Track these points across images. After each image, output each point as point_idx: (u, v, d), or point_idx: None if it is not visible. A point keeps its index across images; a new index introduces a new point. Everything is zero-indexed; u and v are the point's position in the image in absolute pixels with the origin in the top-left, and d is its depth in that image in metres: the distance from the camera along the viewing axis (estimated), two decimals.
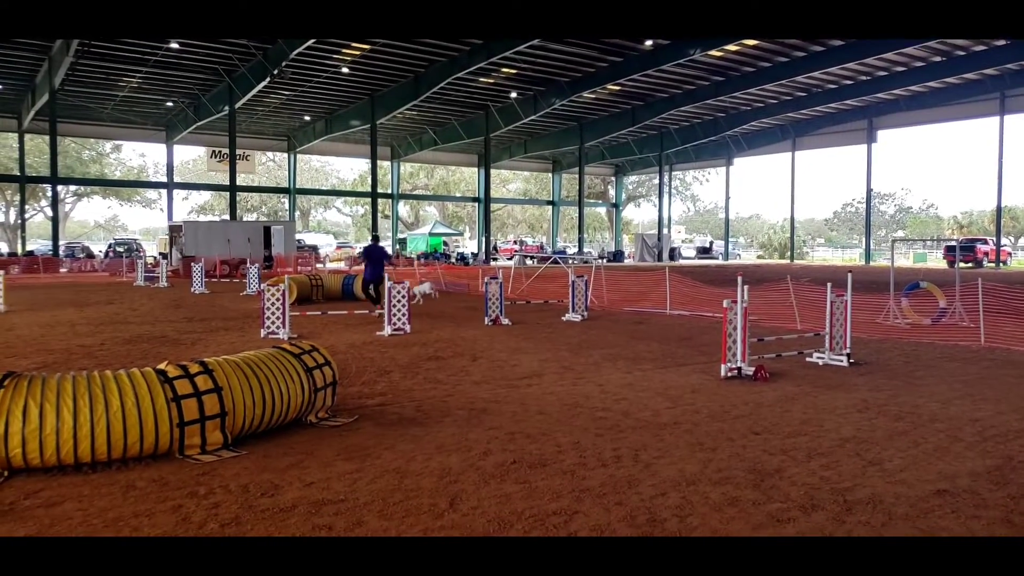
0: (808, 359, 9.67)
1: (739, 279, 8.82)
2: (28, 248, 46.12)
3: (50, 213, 43.84)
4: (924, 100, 45.19)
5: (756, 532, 4.09)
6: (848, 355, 9.48)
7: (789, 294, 13.89)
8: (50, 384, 5.07)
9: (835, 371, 9.08)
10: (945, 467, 5.25)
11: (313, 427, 6.33)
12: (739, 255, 70.30)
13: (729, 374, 8.50)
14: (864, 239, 56.18)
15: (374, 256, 15.33)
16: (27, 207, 49.82)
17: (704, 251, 65.86)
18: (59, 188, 44.44)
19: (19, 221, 49.95)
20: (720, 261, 60.36)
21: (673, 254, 58.66)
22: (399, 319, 12.59)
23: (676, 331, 13.05)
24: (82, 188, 62.52)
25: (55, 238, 40.71)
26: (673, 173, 68.47)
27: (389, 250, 40.37)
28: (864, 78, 41.04)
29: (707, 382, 8.35)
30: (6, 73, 36.50)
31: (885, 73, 40.02)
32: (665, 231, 61.45)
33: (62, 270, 36.14)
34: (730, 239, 67.68)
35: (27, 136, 44.76)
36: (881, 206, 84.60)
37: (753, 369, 8.48)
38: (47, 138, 38.42)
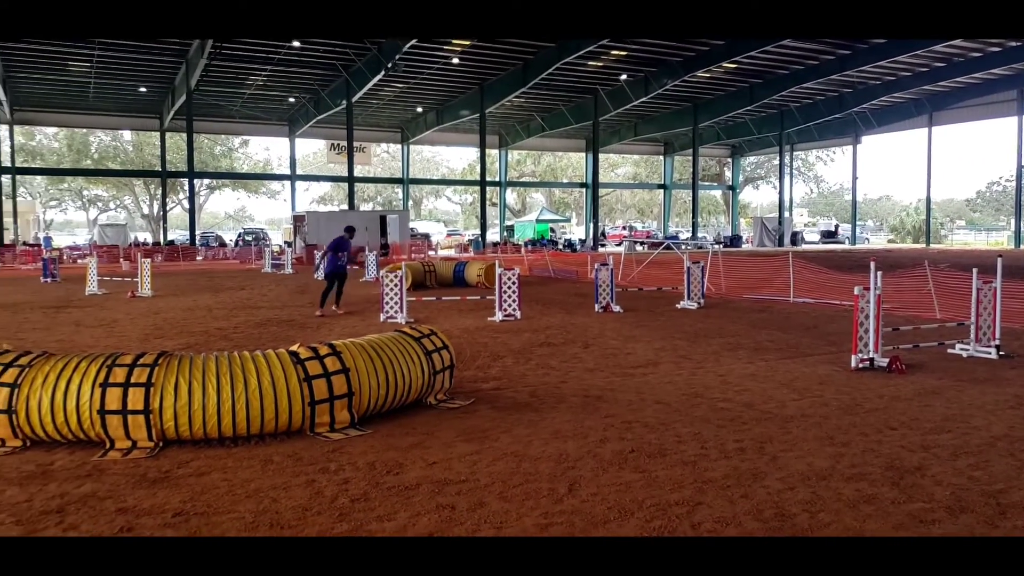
0: (950, 351, 9.03)
1: (871, 264, 8.34)
2: (169, 238, 49.56)
3: (187, 205, 46.93)
4: None
5: (896, 533, 3.86)
6: (997, 347, 8.78)
7: (926, 281, 13.04)
8: (196, 363, 5.44)
9: (982, 364, 8.44)
10: None
11: (432, 408, 6.48)
12: (867, 239, 66.63)
13: (860, 365, 8.07)
14: (1014, 220, 51.78)
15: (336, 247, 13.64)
16: (167, 200, 53.52)
17: (829, 235, 62.68)
18: (195, 182, 47.53)
19: (161, 213, 53.74)
20: (847, 246, 57.34)
21: (795, 238, 56.20)
22: (510, 305, 12.70)
23: (801, 320, 12.51)
24: (214, 181, 66.56)
25: (192, 228, 43.63)
26: (794, 153, 65.51)
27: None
28: (1015, 44, 37.49)
29: (836, 373, 7.97)
30: (150, 77, 39.34)
31: None
32: (786, 214, 58.95)
33: (198, 258, 38.71)
34: (857, 222, 64.10)
35: (167, 134, 48.09)
36: None
37: (888, 360, 8.01)
38: (184, 136, 41.14)
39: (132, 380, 5.26)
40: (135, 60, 35.90)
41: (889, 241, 66.77)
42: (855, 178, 60.75)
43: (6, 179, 40.54)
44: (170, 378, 5.30)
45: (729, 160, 69.32)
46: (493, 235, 55.14)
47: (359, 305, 15.10)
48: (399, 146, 58.10)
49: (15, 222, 41.66)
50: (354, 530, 3.94)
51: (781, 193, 60.04)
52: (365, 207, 67.88)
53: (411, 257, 33.33)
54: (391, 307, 12.56)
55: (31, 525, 4.01)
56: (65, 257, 34.16)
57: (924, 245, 55.17)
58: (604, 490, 4.49)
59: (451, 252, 45.69)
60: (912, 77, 44.12)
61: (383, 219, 39.61)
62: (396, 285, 12.54)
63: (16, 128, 46.25)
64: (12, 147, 44.84)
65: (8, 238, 38.55)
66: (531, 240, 49.31)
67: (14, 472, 4.85)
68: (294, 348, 5.88)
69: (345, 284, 13.82)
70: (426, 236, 51.37)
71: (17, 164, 46.26)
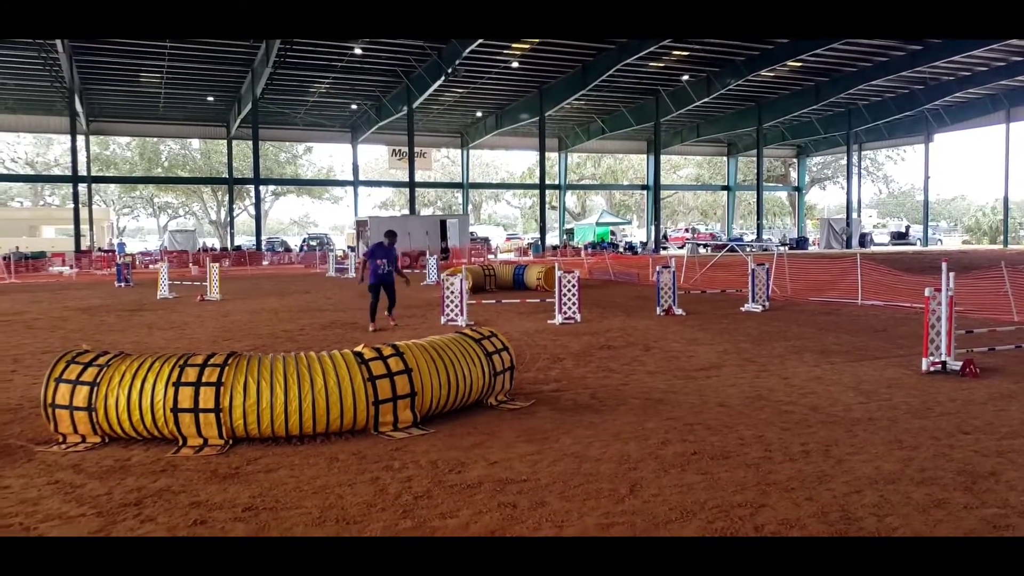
0: None
1: (943, 265, 8.06)
2: (236, 243, 51.08)
3: (253, 211, 48.28)
4: None
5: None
6: None
7: (1003, 282, 12.52)
8: (264, 363, 5.62)
9: None
10: None
11: (493, 409, 6.54)
12: (940, 240, 64.15)
13: (931, 368, 7.81)
14: None
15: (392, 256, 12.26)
16: (234, 206, 55.17)
17: (899, 236, 60.66)
18: (261, 188, 48.94)
19: (228, 219, 55.43)
20: (918, 247, 55.40)
21: (863, 240, 54.53)
22: (570, 308, 12.69)
23: (869, 322, 12.16)
24: (279, 187, 68.38)
25: (258, 234, 44.89)
26: (863, 152, 63.66)
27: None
28: None
29: (906, 376, 7.73)
30: (217, 87, 40.71)
31: None
32: (854, 215, 57.30)
33: (264, 263, 39.80)
34: (929, 223, 61.86)
35: (234, 142, 49.65)
36: None
37: (960, 364, 7.73)
38: (250, 143, 42.40)
39: (203, 380, 5.46)
40: (203, 70, 37.21)
41: (964, 242, 64.20)
42: (927, 177, 58.67)
43: (82, 187, 42.41)
44: (239, 378, 5.48)
45: (794, 160, 67.77)
46: (553, 238, 55.10)
47: (420, 308, 15.31)
48: (459, 151, 58.66)
49: (91, 229, 43.58)
50: (417, 527, 4.01)
51: (849, 194, 58.40)
52: (426, 211, 68.70)
53: (471, 261, 33.59)
54: (451, 310, 12.70)
55: (111, 517, 4.21)
56: (138, 262, 35.58)
57: (1002, 246, 52.86)
58: (666, 491, 4.46)
59: (511, 256, 45.85)
60: (988, 72, 42.41)
61: (443, 223, 40.05)
62: (456, 288, 12.67)
63: (91, 138, 48.40)
64: (88, 156, 46.91)
65: (84, 244, 40.35)
66: (591, 243, 49.08)
67: (95, 467, 5.09)
68: (358, 349, 6.01)
69: (395, 291, 12.42)
70: (486, 240, 51.63)
71: (92, 173, 48.40)
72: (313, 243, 48.95)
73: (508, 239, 61.73)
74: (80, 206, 40.80)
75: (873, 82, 41.62)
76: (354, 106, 46.00)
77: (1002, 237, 55.39)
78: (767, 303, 14.30)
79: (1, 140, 61.18)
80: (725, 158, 64.80)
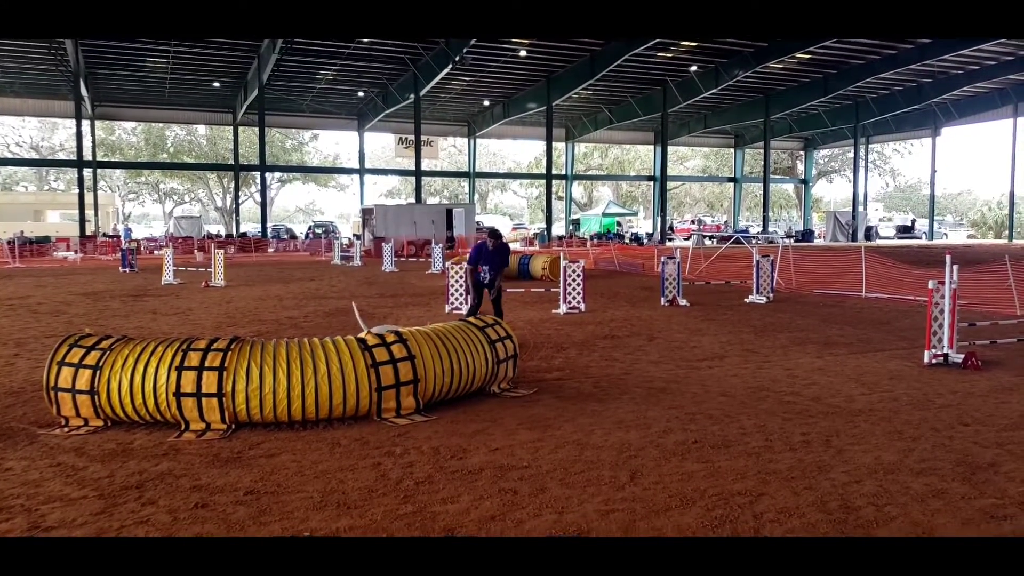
0: None
1: (947, 258, 8.05)
2: (242, 230, 51.05)
3: (259, 198, 48.28)
4: None
5: (965, 527, 3.76)
6: None
7: (1007, 276, 12.49)
8: (267, 349, 5.64)
9: None
10: None
11: (496, 397, 6.56)
12: (946, 234, 63.94)
13: (933, 361, 7.81)
14: None
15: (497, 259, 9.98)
16: (240, 193, 55.11)
17: (905, 230, 60.44)
18: (266, 175, 48.89)
19: (234, 206, 55.41)
20: (923, 241, 55.21)
21: (869, 233, 54.38)
22: (574, 298, 12.69)
23: (872, 315, 12.15)
24: (285, 175, 68.27)
25: (263, 221, 44.88)
26: (870, 146, 63.26)
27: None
28: None
29: (907, 369, 7.73)
30: (223, 72, 40.62)
31: None
32: (860, 209, 57.03)
33: (270, 250, 39.82)
34: (935, 217, 61.57)
35: (240, 129, 49.56)
36: None
37: (962, 356, 7.73)
38: (256, 130, 42.34)
39: (206, 364, 5.48)
40: (209, 56, 37.12)
41: (969, 236, 63.93)
42: (934, 171, 58.37)
43: (87, 172, 42.34)
44: (242, 363, 5.50)
45: (802, 153, 67.46)
46: (559, 229, 54.98)
47: (425, 296, 15.32)
48: (466, 140, 58.49)
49: (96, 214, 43.54)
50: (418, 511, 4.04)
51: (855, 187, 58.10)
52: (432, 201, 68.60)
53: None
54: (456, 298, 12.72)
55: (112, 499, 4.24)
56: (142, 248, 35.63)
57: (1007, 241, 52.67)
58: (666, 479, 4.48)
59: (516, 245, 45.81)
60: (997, 66, 42.07)
61: (449, 212, 40.00)
62: (461, 277, 12.69)
63: (96, 123, 48.31)
64: (93, 141, 46.81)
65: (89, 229, 40.34)
66: (597, 234, 48.97)
67: (97, 450, 5.12)
68: (362, 335, 6.02)
69: (499, 301, 9.94)
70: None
71: (97, 158, 48.38)
72: (319, 231, 48.94)
73: (514, 229, 61.61)
74: (85, 191, 40.72)
75: (881, 75, 41.33)
76: (361, 93, 45.87)
77: (1007, 232, 55.16)
78: (771, 295, 14.29)
79: (6, 124, 61.24)
80: (732, 150, 64.51)
